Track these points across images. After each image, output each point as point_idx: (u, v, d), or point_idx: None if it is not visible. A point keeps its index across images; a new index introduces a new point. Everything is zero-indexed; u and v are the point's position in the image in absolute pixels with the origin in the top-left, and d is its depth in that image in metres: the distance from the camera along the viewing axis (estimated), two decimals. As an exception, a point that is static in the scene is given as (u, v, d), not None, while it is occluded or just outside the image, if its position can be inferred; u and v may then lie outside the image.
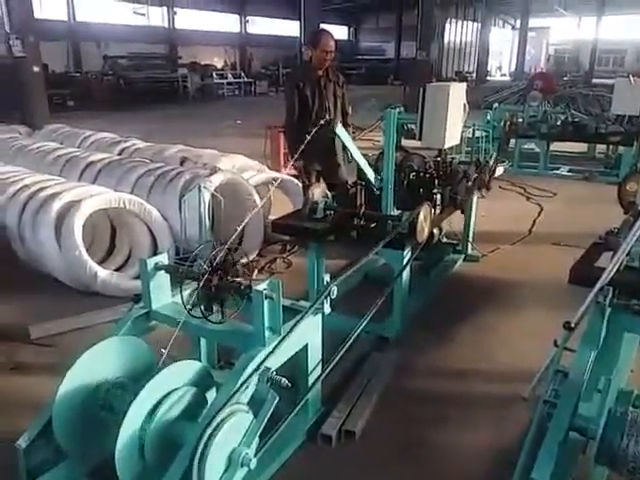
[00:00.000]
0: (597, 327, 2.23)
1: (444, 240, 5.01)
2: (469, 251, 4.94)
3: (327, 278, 2.49)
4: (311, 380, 2.55)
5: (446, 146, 4.36)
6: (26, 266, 4.25)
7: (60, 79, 18.89)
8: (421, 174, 4.05)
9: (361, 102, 14.72)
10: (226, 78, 23.42)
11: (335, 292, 2.48)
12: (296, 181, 5.47)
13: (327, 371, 2.54)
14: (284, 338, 2.23)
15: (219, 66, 27.17)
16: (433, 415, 2.80)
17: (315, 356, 2.56)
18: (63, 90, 18.32)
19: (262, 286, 2.19)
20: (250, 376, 2.06)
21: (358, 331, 2.78)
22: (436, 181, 3.99)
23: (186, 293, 2.44)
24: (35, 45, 7.99)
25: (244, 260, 2.52)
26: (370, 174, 3.58)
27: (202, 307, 2.36)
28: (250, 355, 2.15)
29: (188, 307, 2.31)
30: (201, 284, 2.27)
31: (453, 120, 4.36)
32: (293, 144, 4.78)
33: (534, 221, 6.08)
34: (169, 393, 2.03)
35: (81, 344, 2.27)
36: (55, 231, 3.94)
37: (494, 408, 2.86)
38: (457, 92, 4.38)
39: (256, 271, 4.63)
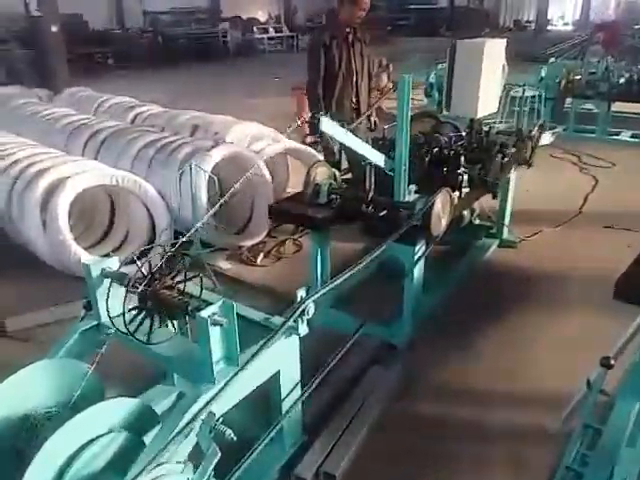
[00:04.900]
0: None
1: (477, 222, 4.42)
2: (505, 235, 4.33)
3: (302, 293, 2.03)
4: (286, 407, 2.15)
5: (480, 115, 3.76)
6: (17, 247, 4.00)
7: (100, 37, 18.61)
8: (445, 150, 3.45)
9: (404, 57, 13.73)
10: (267, 32, 22.57)
11: (312, 310, 2.03)
12: (314, 152, 4.97)
13: (304, 396, 2.15)
14: (240, 370, 1.82)
15: (262, 20, 26.19)
16: (435, 452, 2.34)
17: (289, 383, 2.15)
18: (104, 48, 18.10)
19: (210, 310, 1.76)
20: (188, 425, 1.67)
21: (352, 340, 2.38)
22: (462, 158, 3.38)
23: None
24: (52, 3, 7.60)
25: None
26: (379, 158, 3.02)
27: (133, 322, 1.97)
28: (192, 397, 1.75)
29: (120, 321, 1.92)
30: (126, 297, 1.88)
31: (489, 84, 3.72)
32: (315, 108, 4.29)
33: (586, 197, 5.32)
34: (91, 441, 1.67)
35: (58, 338, 2.13)
36: (41, 211, 3.65)
37: (512, 445, 2.37)
38: (494, 50, 3.72)
39: (262, 255, 4.26)
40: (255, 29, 22.04)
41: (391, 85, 12.08)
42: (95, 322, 2.20)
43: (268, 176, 4.40)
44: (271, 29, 22.80)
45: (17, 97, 6.72)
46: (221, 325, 1.77)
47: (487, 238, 4.35)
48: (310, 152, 4.92)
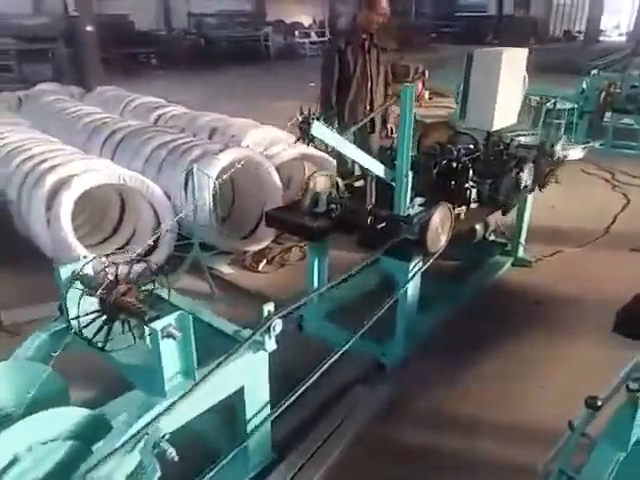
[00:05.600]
0: (626, 424, 1.52)
1: (491, 238, 4.23)
2: (520, 253, 4.12)
3: (269, 308, 1.95)
4: (252, 425, 2.06)
5: (496, 127, 3.59)
6: (25, 242, 4.05)
7: (144, 37, 19.00)
8: (453, 163, 3.29)
9: (444, 65, 13.46)
10: (309, 37, 22.62)
11: (279, 327, 1.95)
12: (329, 157, 4.88)
13: (274, 414, 2.05)
14: (196, 385, 1.75)
15: (306, 24, 26.26)
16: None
17: (256, 399, 2.06)
18: (147, 48, 18.49)
19: (164, 321, 1.69)
20: (130, 440, 1.60)
21: (332, 358, 2.25)
22: (470, 173, 3.22)
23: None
24: (88, 3, 7.78)
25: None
26: (378, 169, 2.89)
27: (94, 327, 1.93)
28: (141, 410, 1.69)
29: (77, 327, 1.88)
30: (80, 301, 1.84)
31: (507, 96, 3.54)
32: (327, 112, 4.23)
33: (615, 217, 5.03)
34: (32, 448, 1.62)
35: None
36: (47, 208, 3.69)
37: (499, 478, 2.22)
38: (513, 60, 3.54)
39: (264, 261, 4.19)
40: (297, 33, 22.09)
41: (426, 93, 11.97)
42: (64, 324, 2.17)
43: (278, 181, 4.34)
44: (313, 33, 22.81)
45: (50, 94, 6.90)
46: (174, 338, 1.70)
47: (502, 256, 4.15)
48: (326, 158, 4.83)
